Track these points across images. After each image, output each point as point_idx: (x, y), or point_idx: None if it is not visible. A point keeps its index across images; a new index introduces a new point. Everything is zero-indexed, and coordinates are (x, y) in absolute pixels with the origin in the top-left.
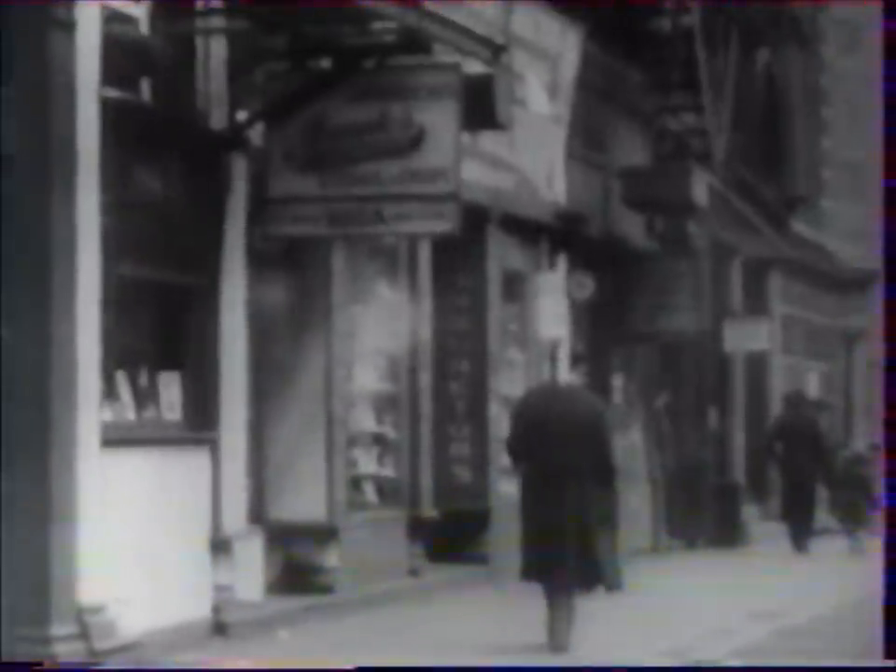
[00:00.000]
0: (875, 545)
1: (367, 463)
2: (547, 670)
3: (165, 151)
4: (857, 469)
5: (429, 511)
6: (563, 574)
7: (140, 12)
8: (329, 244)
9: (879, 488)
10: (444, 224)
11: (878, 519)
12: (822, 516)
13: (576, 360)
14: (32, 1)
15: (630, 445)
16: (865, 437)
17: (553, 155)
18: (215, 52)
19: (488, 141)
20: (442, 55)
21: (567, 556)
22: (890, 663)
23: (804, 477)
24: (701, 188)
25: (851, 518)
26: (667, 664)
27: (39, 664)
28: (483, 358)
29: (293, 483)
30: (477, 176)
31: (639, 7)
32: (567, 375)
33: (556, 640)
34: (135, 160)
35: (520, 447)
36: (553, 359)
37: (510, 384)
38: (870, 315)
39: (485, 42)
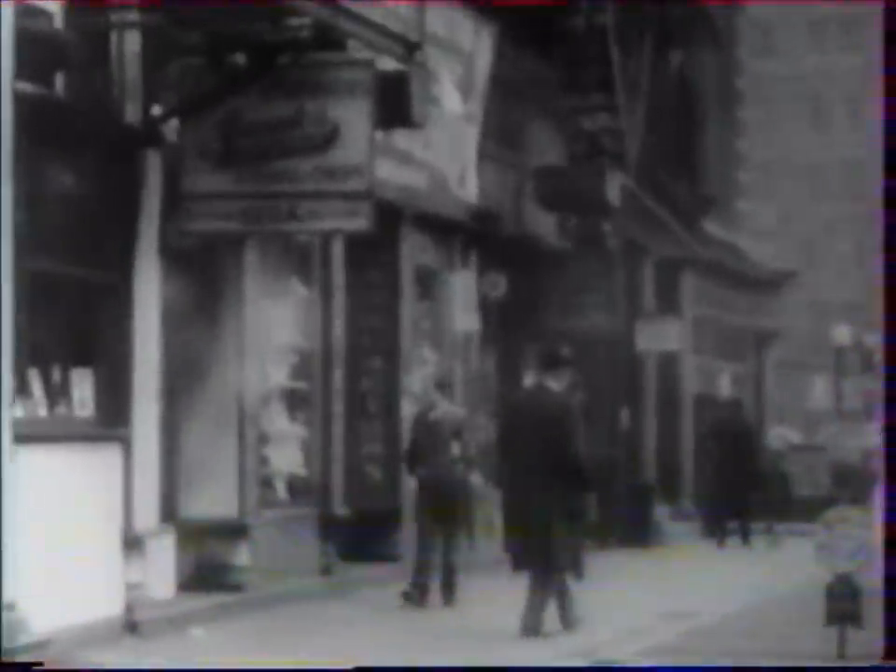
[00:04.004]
0: (790, 541)
1: (278, 461)
2: (537, 670)
3: (79, 146)
4: (778, 467)
5: (341, 509)
6: (539, 562)
7: (54, 7)
8: (242, 240)
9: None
10: (358, 221)
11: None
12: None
13: (554, 363)
14: None
15: None
16: (778, 436)
17: (465, 153)
18: (129, 47)
19: (401, 139)
20: (357, 52)
21: (532, 547)
22: (891, 662)
23: (734, 476)
24: (614, 187)
25: (771, 514)
26: (575, 663)
27: (40, 664)
28: (395, 356)
29: (205, 481)
30: (390, 174)
31: (553, 5)
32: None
33: (527, 624)
34: (49, 154)
35: (502, 449)
36: (466, 360)
37: (422, 381)
38: (781, 315)
39: (400, 39)
